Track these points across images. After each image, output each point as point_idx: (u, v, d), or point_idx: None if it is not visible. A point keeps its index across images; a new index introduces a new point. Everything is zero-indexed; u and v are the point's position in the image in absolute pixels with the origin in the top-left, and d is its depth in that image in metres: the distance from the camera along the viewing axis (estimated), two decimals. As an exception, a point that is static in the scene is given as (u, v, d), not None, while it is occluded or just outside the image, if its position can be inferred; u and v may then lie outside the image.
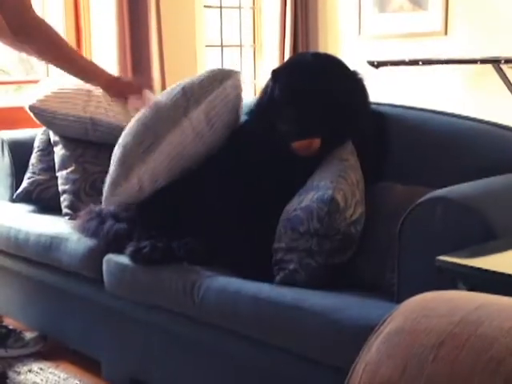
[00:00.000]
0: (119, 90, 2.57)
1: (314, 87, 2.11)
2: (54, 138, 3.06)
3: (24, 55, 2.76)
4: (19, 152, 2.85)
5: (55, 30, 2.55)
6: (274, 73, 2.26)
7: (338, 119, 2.11)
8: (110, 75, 2.58)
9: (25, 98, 3.02)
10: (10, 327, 2.78)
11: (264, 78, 5.22)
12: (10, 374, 2.60)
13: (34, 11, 2.46)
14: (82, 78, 2.59)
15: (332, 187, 1.96)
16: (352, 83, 2.19)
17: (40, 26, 2.46)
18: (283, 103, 2.15)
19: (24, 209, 2.93)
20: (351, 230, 1.95)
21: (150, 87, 2.65)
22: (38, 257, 2.72)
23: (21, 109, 3.06)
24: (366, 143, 2.16)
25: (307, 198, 2.00)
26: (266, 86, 2.28)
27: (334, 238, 1.94)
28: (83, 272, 2.51)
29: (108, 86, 2.56)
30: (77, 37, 4.18)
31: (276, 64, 5.13)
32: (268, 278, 2.00)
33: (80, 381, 2.59)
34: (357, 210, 1.97)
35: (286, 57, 5.10)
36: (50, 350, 2.82)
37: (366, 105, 2.22)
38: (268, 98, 2.24)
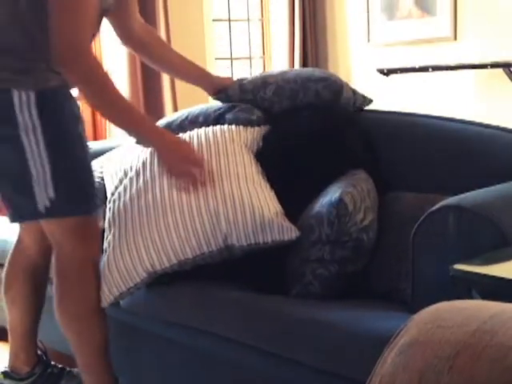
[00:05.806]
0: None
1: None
2: None
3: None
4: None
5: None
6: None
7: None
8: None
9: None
10: (60, 366, 2.60)
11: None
12: None
13: (89, 54, 2.00)
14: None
15: (340, 191, 1.96)
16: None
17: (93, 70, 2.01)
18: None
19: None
20: (363, 236, 1.95)
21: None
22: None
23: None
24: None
25: (316, 205, 2.01)
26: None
27: (346, 246, 1.93)
28: (98, 288, 2.51)
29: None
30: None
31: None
32: (282, 291, 2.00)
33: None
34: (367, 216, 1.96)
35: (296, 67, 5.11)
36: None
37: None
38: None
